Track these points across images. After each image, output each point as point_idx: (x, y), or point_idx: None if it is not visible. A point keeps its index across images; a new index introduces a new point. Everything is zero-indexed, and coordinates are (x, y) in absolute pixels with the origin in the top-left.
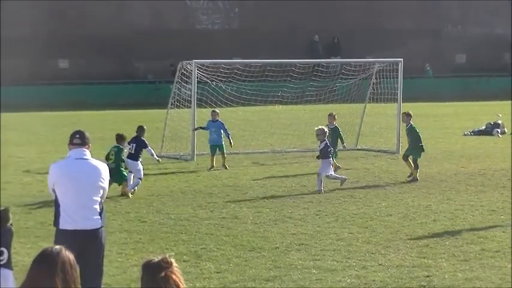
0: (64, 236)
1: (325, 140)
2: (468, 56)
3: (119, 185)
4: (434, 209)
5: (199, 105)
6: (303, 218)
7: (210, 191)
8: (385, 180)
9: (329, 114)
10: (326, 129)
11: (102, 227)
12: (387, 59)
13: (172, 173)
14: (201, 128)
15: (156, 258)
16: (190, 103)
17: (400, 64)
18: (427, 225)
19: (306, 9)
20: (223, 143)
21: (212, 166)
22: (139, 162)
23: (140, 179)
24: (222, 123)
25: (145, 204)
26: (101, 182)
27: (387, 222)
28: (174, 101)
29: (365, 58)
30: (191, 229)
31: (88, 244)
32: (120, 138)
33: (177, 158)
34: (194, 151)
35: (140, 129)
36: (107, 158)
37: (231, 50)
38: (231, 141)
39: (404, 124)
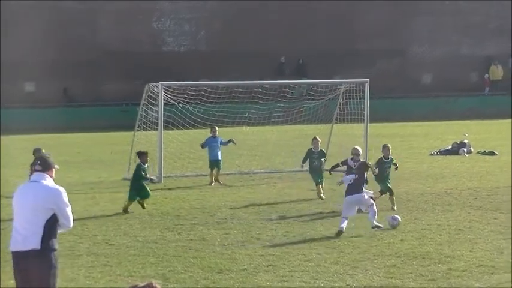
0: (12, 258)
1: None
2: (435, 75)
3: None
4: (401, 228)
5: (166, 128)
6: (270, 239)
7: (178, 213)
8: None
9: (313, 138)
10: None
11: (45, 248)
12: (353, 80)
13: None
14: (202, 146)
15: (142, 284)
16: (157, 125)
17: (366, 85)
18: (394, 245)
19: (272, 31)
20: (220, 158)
21: (212, 181)
22: None
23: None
24: (220, 138)
25: (112, 226)
26: (48, 204)
27: (355, 242)
28: (141, 123)
29: (332, 79)
30: (159, 251)
31: (30, 266)
32: (141, 155)
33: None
34: (162, 173)
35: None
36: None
37: (198, 71)
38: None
39: (383, 156)
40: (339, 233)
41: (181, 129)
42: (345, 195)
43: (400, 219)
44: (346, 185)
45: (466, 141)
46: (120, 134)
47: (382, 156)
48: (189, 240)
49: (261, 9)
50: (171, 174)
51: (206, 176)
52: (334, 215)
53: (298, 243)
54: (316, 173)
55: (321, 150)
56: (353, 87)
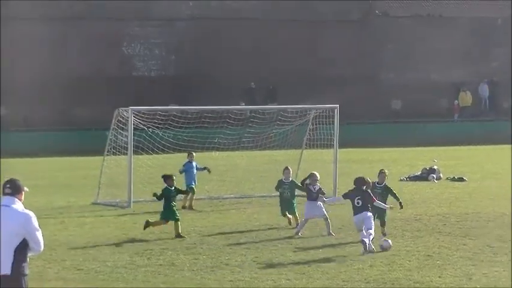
0: None
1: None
2: (404, 101)
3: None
4: (370, 254)
5: (135, 152)
6: (240, 264)
7: (147, 238)
8: (322, 226)
9: (285, 168)
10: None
11: (16, 273)
12: (323, 105)
13: (109, 220)
14: (181, 171)
15: None
16: (127, 150)
17: (336, 110)
18: (363, 271)
19: (242, 57)
20: (196, 184)
21: (185, 206)
22: None
23: None
24: (196, 163)
25: (81, 251)
26: (18, 230)
27: (324, 268)
28: (111, 148)
29: (302, 104)
30: (128, 276)
31: None
32: (167, 178)
33: (113, 205)
34: (131, 198)
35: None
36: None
37: (167, 96)
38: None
39: (377, 182)
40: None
41: (151, 154)
42: (353, 215)
43: (391, 244)
44: (352, 205)
45: (435, 167)
46: (89, 159)
47: (376, 181)
48: (158, 266)
49: (230, 35)
50: (140, 199)
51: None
52: (303, 240)
53: (268, 268)
54: (286, 204)
55: (292, 181)
56: (323, 112)
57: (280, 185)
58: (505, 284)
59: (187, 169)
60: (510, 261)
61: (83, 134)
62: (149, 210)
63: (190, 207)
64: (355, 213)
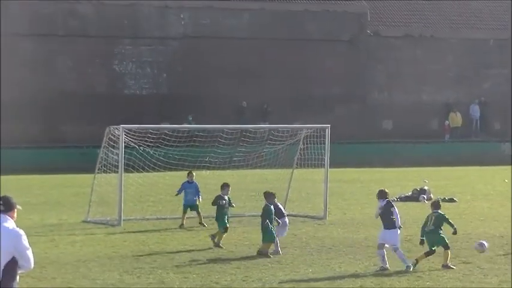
0: None
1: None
2: (395, 122)
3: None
4: (361, 274)
5: (126, 170)
6: (229, 284)
7: (137, 256)
8: (312, 246)
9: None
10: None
11: None
12: (314, 125)
13: (99, 238)
14: (178, 192)
15: None
16: (118, 168)
17: (327, 130)
18: None
19: (234, 76)
20: (197, 203)
21: (183, 224)
22: None
23: None
24: (197, 184)
25: (71, 269)
26: (8, 248)
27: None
28: (101, 166)
29: (293, 124)
30: None
31: None
32: (268, 195)
33: (104, 223)
34: (121, 216)
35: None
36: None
37: (159, 115)
38: (200, 199)
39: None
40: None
41: (142, 172)
42: (384, 228)
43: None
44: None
45: (426, 187)
46: (80, 176)
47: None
48: (148, 284)
49: (222, 54)
50: (131, 218)
51: (165, 219)
52: (293, 259)
53: None
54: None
55: (228, 197)
56: (314, 132)
57: (218, 199)
58: None
59: (185, 189)
60: (502, 282)
61: (74, 151)
62: (139, 228)
63: (202, 224)
64: (387, 227)
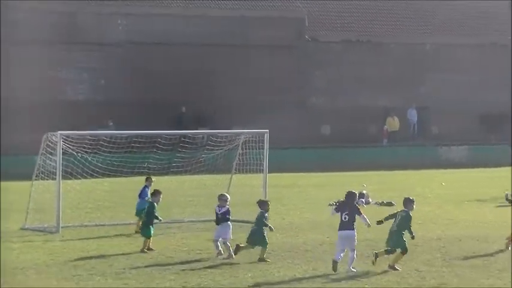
0: None
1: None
2: (333, 127)
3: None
4: (299, 279)
5: (64, 177)
6: None
7: (75, 263)
8: (250, 251)
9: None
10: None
11: None
12: (253, 130)
13: (37, 245)
14: (146, 196)
15: None
16: (56, 175)
17: (265, 135)
18: None
19: (173, 82)
20: None
21: (138, 230)
22: None
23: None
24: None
25: (9, 277)
26: None
27: None
28: (39, 173)
29: (232, 129)
30: None
31: None
32: (262, 203)
33: (42, 231)
34: (59, 223)
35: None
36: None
37: (96, 121)
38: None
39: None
40: (334, 263)
41: (80, 178)
42: (338, 230)
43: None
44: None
45: (364, 191)
46: (18, 184)
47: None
48: None
49: (161, 60)
50: (69, 225)
51: (104, 225)
52: (232, 265)
53: None
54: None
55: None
56: (253, 137)
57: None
58: None
59: (144, 194)
60: (440, 285)
61: (11, 159)
62: (78, 235)
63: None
64: (340, 229)
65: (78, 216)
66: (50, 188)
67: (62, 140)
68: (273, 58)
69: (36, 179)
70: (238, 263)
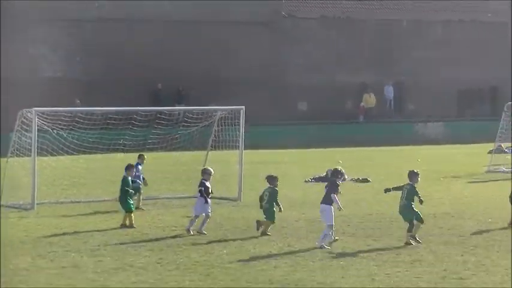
0: None
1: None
2: (309, 103)
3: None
4: (275, 255)
5: (40, 154)
6: (144, 266)
7: (50, 240)
8: (226, 227)
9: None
10: None
11: None
12: (229, 107)
13: (12, 222)
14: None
15: None
16: (31, 152)
17: (241, 111)
18: (267, 272)
19: (150, 58)
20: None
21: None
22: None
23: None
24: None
25: None
26: None
27: (228, 269)
28: (14, 150)
29: (208, 106)
30: (30, 279)
31: None
32: (272, 179)
33: (16, 207)
34: (35, 200)
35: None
36: (261, 199)
37: (73, 98)
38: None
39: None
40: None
41: (55, 155)
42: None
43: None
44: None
45: (339, 168)
46: None
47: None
48: (62, 268)
49: (137, 37)
50: (44, 201)
51: (79, 202)
52: (208, 241)
53: (172, 270)
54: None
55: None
56: (229, 114)
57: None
58: (407, 285)
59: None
60: (415, 261)
61: None
62: (53, 212)
63: (137, 207)
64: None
65: (53, 193)
66: (25, 164)
67: (37, 116)
68: (250, 34)
69: (11, 156)
70: (214, 240)
